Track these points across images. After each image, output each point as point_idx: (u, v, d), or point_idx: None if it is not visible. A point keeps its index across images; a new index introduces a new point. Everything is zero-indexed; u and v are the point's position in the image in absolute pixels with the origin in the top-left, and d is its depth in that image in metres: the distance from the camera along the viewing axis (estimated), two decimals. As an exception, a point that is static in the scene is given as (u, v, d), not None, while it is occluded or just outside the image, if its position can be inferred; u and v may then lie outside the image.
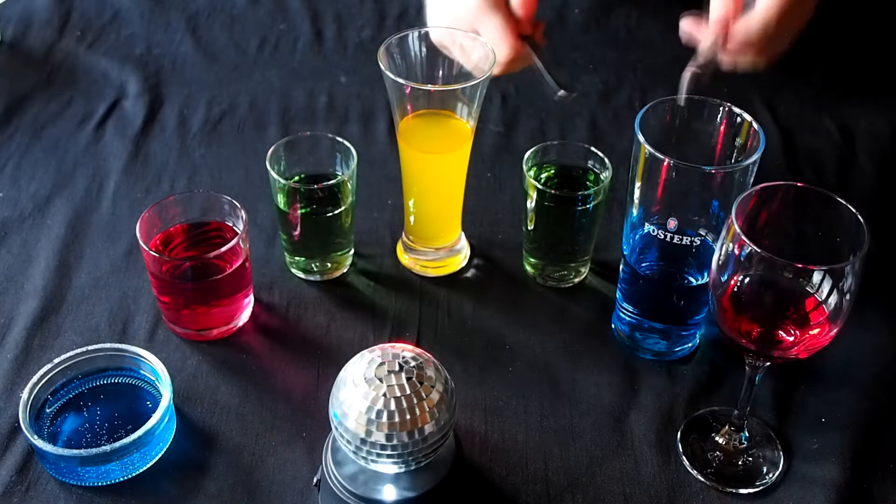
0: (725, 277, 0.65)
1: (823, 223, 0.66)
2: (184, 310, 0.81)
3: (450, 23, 0.84)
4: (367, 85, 1.09)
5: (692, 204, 0.73)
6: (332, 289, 0.87)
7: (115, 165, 0.98)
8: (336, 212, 0.83)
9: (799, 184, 0.66)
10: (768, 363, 0.68)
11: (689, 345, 0.81)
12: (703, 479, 0.72)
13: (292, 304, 0.85)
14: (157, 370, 0.74)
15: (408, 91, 0.79)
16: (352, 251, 0.89)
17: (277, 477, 0.72)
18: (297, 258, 0.87)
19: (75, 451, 0.68)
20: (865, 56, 1.15)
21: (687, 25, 0.83)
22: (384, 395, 0.60)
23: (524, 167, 0.83)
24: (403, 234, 0.89)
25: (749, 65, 0.82)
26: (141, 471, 0.71)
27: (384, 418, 0.59)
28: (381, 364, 0.61)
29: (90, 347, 0.76)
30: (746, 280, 0.65)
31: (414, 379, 0.60)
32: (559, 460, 0.74)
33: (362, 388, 0.60)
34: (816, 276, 0.63)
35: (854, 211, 0.63)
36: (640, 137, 0.70)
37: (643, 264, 0.78)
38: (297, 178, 0.86)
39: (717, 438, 0.75)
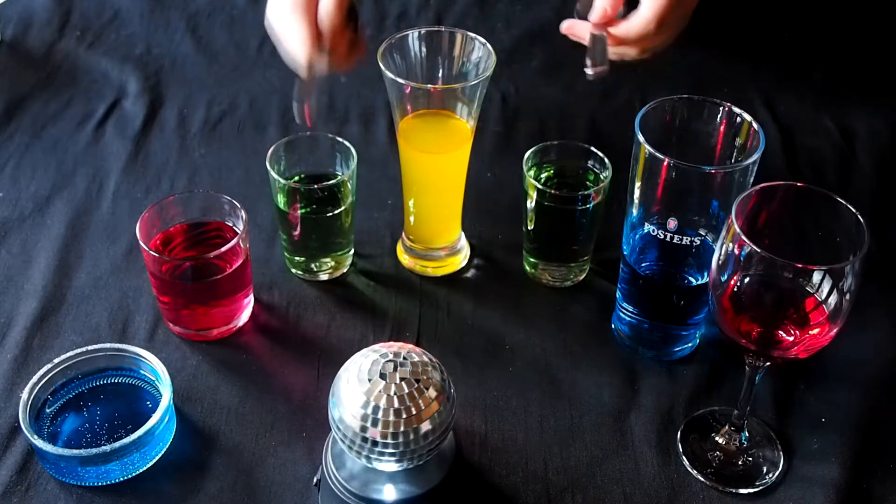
0: (725, 277, 0.65)
1: (823, 223, 0.66)
2: (184, 310, 0.81)
3: (279, 12, 0.82)
4: (367, 85, 1.08)
5: (692, 204, 0.73)
6: (332, 289, 0.87)
7: (115, 165, 0.98)
8: (336, 212, 0.83)
9: (799, 184, 0.66)
10: (768, 363, 0.68)
11: (689, 345, 0.81)
12: (703, 479, 0.72)
13: (292, 304, 0.85)
14: (157, 370, 0.74)
15: (408, 91, 0.79)
16: (352, 251, 0.89)
17: (277, 477, 0.72)
18: (297, 258, 0.87)
19: (75, 451, 0.68)
20: (865, 56, 1.14)
21: (567, 25, 0.87)
22: (383, 391, 0.60)
23: (524, 167, 0.83)
24: (403, 234, 0.89)
25: (635, 57, 0.86)
26: (141, 471, 0.71)
27: (382, 415, 0.59)
28: (380, 362, 0.61)
29: (90, 347, 0.76)
30: (746, 280, 0.65)
31: (412, 377, 0.60)
32: (559, 460, 0.74)
33: (361, 386, 0.60)
34: (816, 276, 0.62)
35: (854, 211, 0.63)
36: (640, 137, 0.70)
37: (643, 264, 0.78)
38: (297, 178, 0.86)
39: (717, 438, 0.75)
